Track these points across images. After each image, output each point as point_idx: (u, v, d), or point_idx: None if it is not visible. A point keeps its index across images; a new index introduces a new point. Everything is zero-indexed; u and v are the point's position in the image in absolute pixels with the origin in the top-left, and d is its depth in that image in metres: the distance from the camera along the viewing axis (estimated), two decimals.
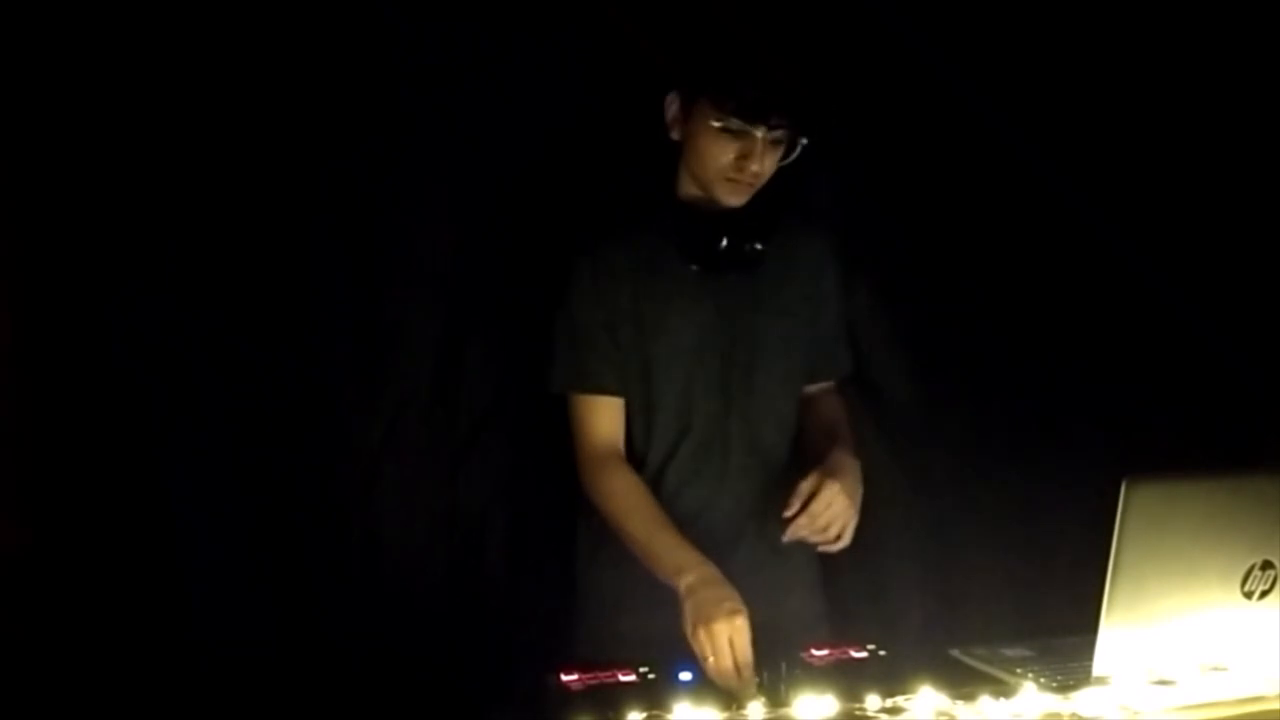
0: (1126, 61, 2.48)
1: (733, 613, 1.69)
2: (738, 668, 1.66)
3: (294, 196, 2.24)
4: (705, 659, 1.68)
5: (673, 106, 1.93)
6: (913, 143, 2.48)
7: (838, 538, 1.87)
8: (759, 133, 1.84)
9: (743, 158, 1.86)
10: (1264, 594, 1.64)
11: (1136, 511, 1.54)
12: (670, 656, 1.71)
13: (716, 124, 1.85)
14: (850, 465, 1.92)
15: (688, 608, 1.74)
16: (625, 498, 1.92)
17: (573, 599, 2.10)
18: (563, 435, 2.09)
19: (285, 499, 2.26)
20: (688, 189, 1.97)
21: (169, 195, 2.16)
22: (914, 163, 2.50)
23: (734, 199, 1.91)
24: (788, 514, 1.84)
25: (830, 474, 1.86)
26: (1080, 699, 1.62)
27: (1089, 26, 2.46)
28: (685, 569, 1.79)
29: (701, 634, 1.69)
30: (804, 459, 2.02)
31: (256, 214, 2.22)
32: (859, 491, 1.90)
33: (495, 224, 2.36)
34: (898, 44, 2.41)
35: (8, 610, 2.10)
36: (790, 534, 1.85)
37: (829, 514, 1.83)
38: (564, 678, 1.67)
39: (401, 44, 2.27)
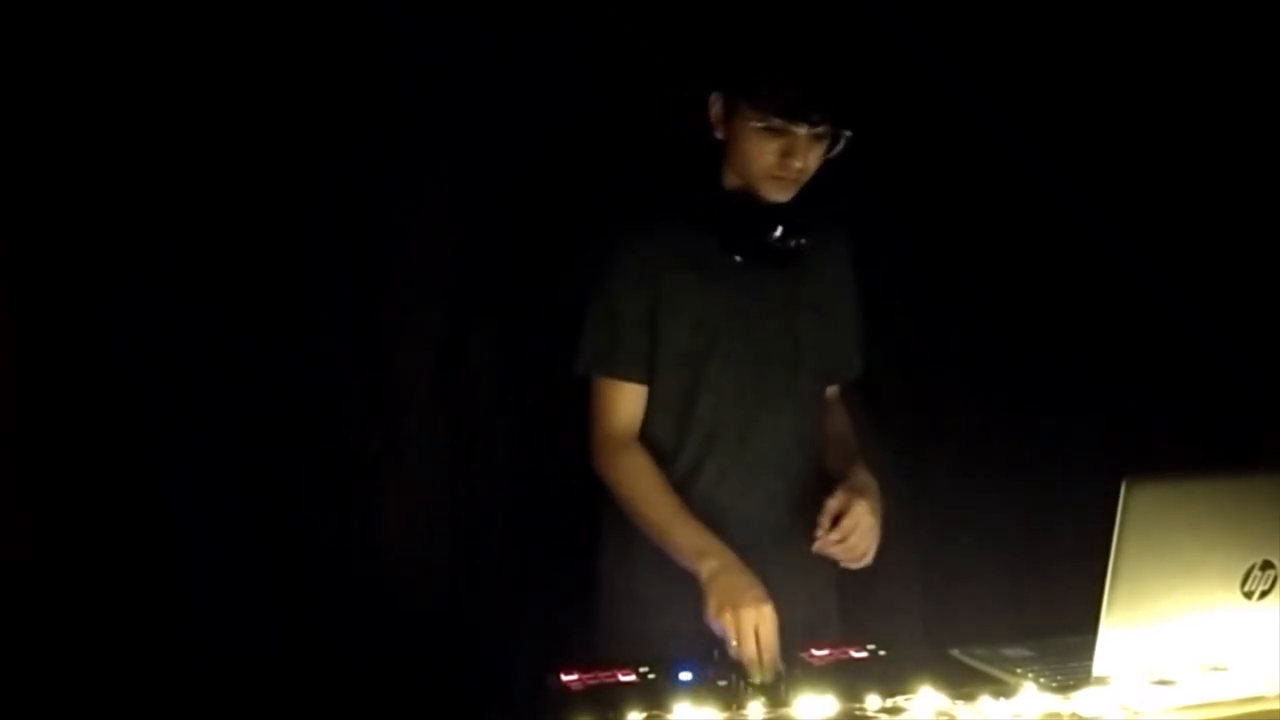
0: (1126, 62, 2.49)
1: (760, 600, 1.73)
2: (761, 655, 1.69)
3: (294, 196, 2.24)
4: (730, 642, 1.71)
5: (715, 106, 1.93)
6: (912, 142, 2.48)
7: (863, 556, 1.88)
8: (801, 130, 1.86)
9: (786, 155, 1.87)
10: (1264, 594, 1.64)
11: (1136, 511, 1.54)
12: (678, 656, 1.72)
13: (758, 124, 1.86)
14: (872, 484, 1.93)
15: (712, 591, 1.76)
16: (642, 481, 1.93)
17: (574, 598, 2.09)
18: (563, 434, 2.09)
19: (285, 499, 2.27)
20: (731, 183, 1.97)
21: (169, 195, 2.17)
22: (914, 162, 2.50)
23: (779, 195, 1.92)
24: (818, 532, 1.85)
25: (857, 493, 1.87)
26: (1080, 699, 1.62)
27: (1090, 26, 2.46)
28: (707, 554, 1.81)
29: (728, 617, 1.72)
30: (822, 473, 2.03)
31: (256, 214, 2.22)
32: (880, 511, 1.91)
33: (495, 224, 2.36)
34: (898, 44, 2.41)
35: (8, 611, 2.10)
36: (818, 548, 1.86)
37: (856, 534, 1.85)
38: (564, 678, 1.67)
39: (401, 44, 2.27)
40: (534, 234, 2.35)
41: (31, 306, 2.13)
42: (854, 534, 1.84)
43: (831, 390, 2.14)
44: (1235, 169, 2.49)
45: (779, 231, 1.92)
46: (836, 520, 1.84)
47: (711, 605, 1.75)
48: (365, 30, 2.24)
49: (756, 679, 1.68)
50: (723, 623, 1.72)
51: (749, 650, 1.70)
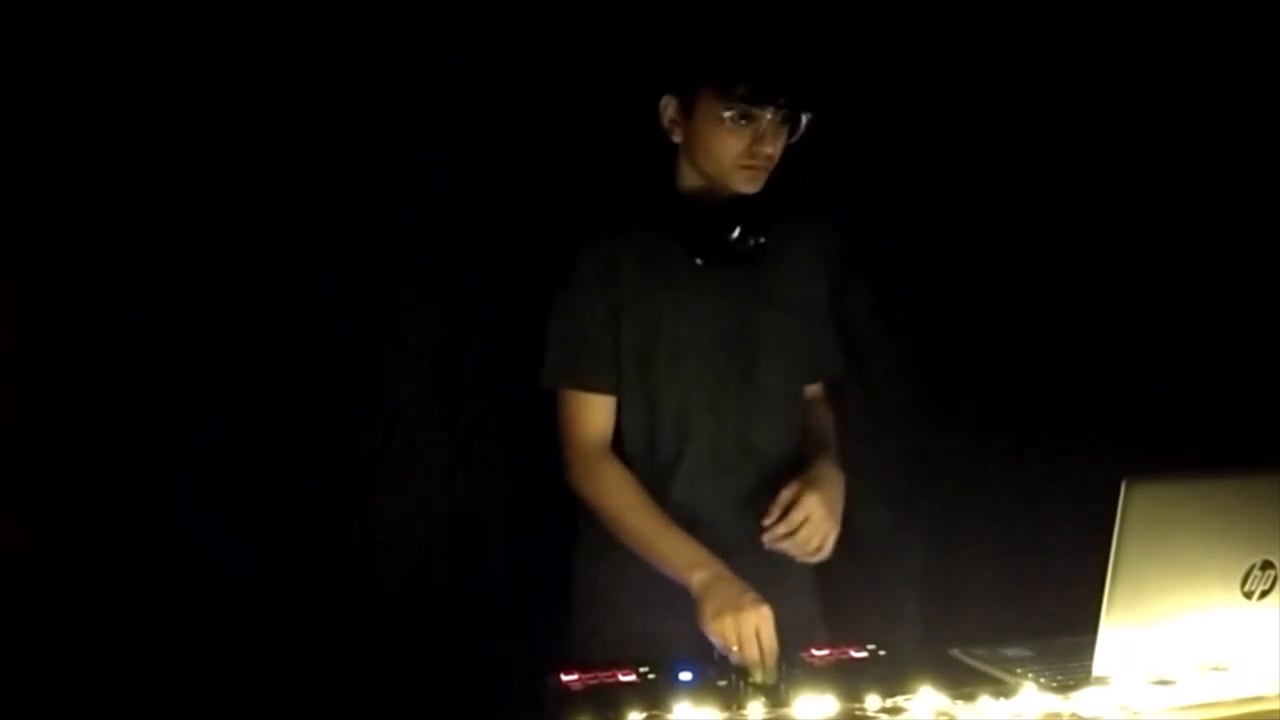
0: (1124, 62, 2.48)
1: (757, 602, 1.74)
2: (762, 656, 1.70)
3: (293, 197, 2.24)
4: (731, 647, 1.71)
5: (669, 109, 1.92)
6: (910, 139, 2.48)
7: (817, 550, 1.87)
8: (768, 114, 1.85)
9: (755, 142, 1.87)
10: (1264, 594, 1.64)
11: (1136, 511, 1.54)
12: (678, 656, 1.72)
13: (726, 113, 1.85)
14: (832, 476, 1.92)
15: (708, 599, 1.76)
16: (622, 493, 1.93)
17: (571, 598, 2.09)
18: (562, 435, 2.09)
19: (285, 499, 2.26)
20: (688, 183, 1.97)
21: (168, 196, 2.16)
22: (913, 160, 2.49)
23: (751, 186, 1.91)
24: (766, 522, 1.85)
25: (810, 485, 1.87)
26: (1080, 699, 1.62)
27: (1089, 15, 2.46)
28: (698, 565, 1.82)
29: (729, 622, 1.72)
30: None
31: (256, 214, 2.22)
32: (840, 503, 1.91)
33: (494, 224, 2.36)
34: (895, 31, 2.41)
35: (7, 610, 2.10)
36: (768, 542, 1.86)
37: (808, 527, 1.85)
38: (564, 678, 1.67)
39: (399, 44, 2.27)
40: (533, 234, 2.35)
41: (32, 308, 2.13)
42: (804, 527, 1.84)
43: (814, 388, 2.14)
44: (1235, 168, 2.49)
45: (737, 232, 1.92)
46: (787, 512, 1.84)
47: (708, 613, 1.75)
48: (364, 30, 2.24)
49: (759, 680, 1.68)
50: (722, 629, 1.72)
51: (752, 654, 1.70)
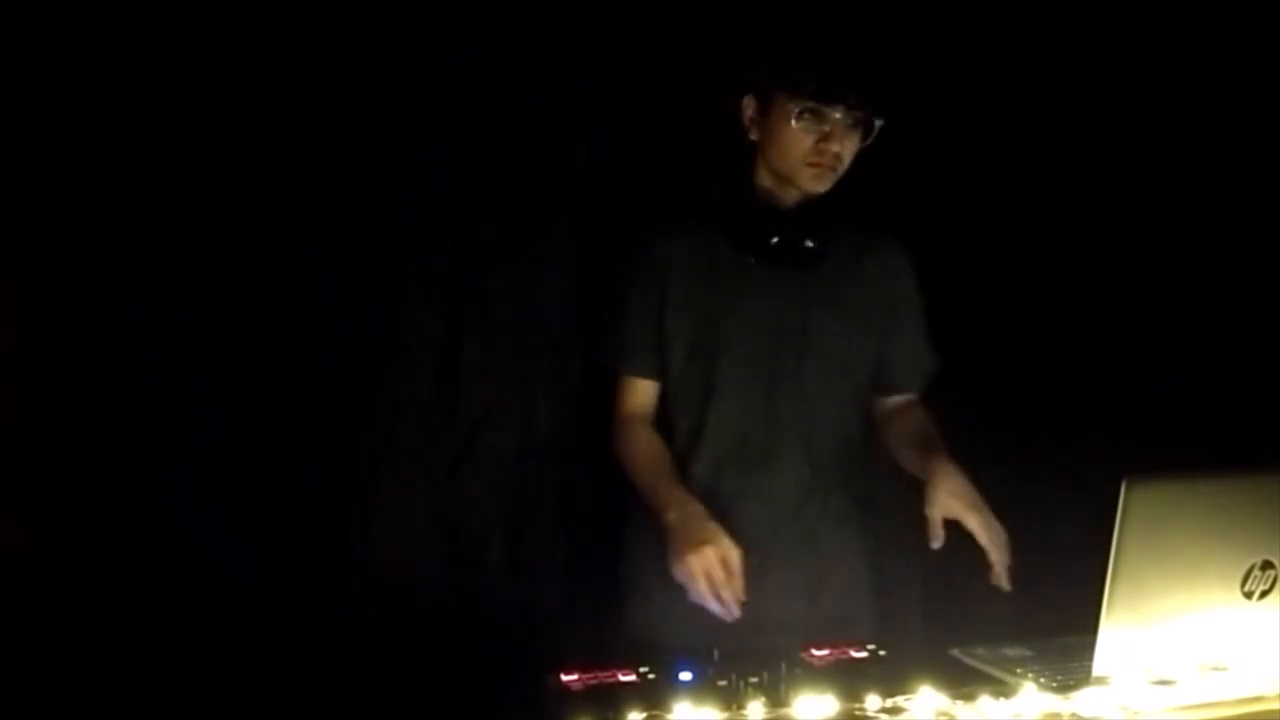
0: (1124, 63, 2.48)
1: (718, 536, 1.77)
2: (719, 593, 1.73)
3: (293, 197, 2.24)
4: (693, 584, 1.76)
5: (749, 108, 1.97)
6: (910, 139, 2.47)
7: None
8: (836, 114, 1.88)
9: (822, 140, 1.90)
10: (1264, 594, 1.64)
11: (1136, 511, 1.54)
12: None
13: (796, 110, 1.89)
14: (959, 471, 1.91)
15: (673, 537, 1.81)
16: (637, 453, 2.01)
17: (575, 596, 2.10)
18: (562, 435, 2.09)
19: (285, 499, 2.26)
20: (762, 183, 2.00)
21: (168, 196, 2.16)
22: (913, 160, 2.49)
23: (819, 185, 1.94)
24: (935, 545, 1.85)
25: (968, 497, 1.87)
26: (1080, 699, 1.62)
27: (1089, 16, 2.46)
28: (671, 505, 1.86)
29: (690, 558, 1.76)
30: (905, 470, 2.04)
31: (256, 214, 2.22)
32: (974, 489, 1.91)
33: (494, 224, 2.36)
34: (929, 29, 2.41)
35: (7, 610, 2.10)
36: (1005, 576, 1.85)
37: (992, 530, 1.85)
38: (564, 678, 1.67)
39: (399, 44, 2.27)
40: (534, 233, 2.35)
41: (31, 308, 2.13)
42: (999, 534, 1.85)
43: (903, 398, 2.14)
44: (1235, 168, 2.49)
45: (777, 238, 1.94)
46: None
47: (671, 550, 1.79)
48: (365, 29, 2.24)
49: (723, 615, 1.71)
50: (683, 565, 1.76)
51: (702, 588, 1.74)
